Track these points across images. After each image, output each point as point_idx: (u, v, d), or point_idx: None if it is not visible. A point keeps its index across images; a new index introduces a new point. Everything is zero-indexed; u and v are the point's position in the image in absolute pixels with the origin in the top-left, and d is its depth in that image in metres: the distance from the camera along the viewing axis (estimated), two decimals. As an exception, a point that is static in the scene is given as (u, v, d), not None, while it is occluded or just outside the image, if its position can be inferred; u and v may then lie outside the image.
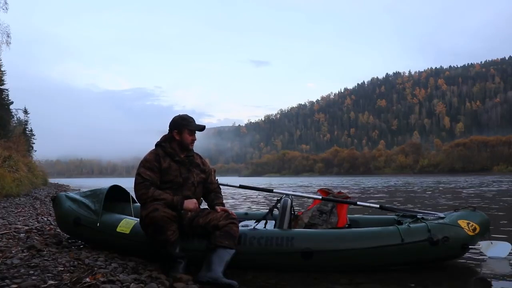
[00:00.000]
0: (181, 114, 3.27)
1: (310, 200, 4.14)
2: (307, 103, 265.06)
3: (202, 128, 3.24)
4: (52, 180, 29.77)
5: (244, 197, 12.82)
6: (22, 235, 3.81)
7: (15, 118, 31.18)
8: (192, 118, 3.24)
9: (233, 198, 12.38)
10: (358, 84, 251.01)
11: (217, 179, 3.56)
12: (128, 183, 5.34)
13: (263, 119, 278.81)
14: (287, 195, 3.62)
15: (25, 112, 32.58)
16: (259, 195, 13.50)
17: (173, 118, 3.24)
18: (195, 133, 3.23)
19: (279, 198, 3.54)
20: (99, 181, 65.29)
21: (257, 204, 10.16)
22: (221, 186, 3.65)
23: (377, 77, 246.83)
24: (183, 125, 3.17)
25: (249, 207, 9.28)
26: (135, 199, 3.22)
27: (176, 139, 3.18)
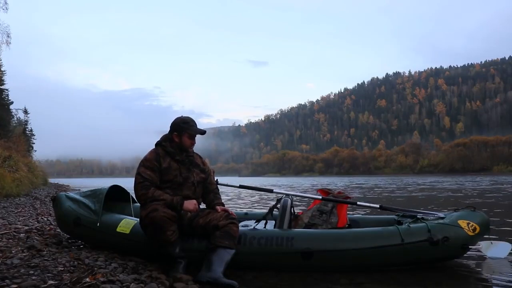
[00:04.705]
0: (183, 116, 3.23)
1: (310, 200, 4.14)
2: (307, 103, 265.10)
3: (202, 132, 3.21)
4: (52, 180, 29.81)
5: (244, 197, 12.82)
6: (22, 235, 3.80)
7: (15, 118, 31.24)
8: (193, 122, 3.21)
9: (233, 198, 12.38)
10: (358, 84, 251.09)
11: (216, 179, 3.56)
12: (128, 183, 5.34)
13: (263, 119, 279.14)
14: (287, 195, 3.63)
15: (25, 112, 32.65)
16: (259, 195, 13.50)
17: (175, 120, 3.22)
18: (195, 137, 3.21)
19: (279, 198, 3.54)
20: (99, 181, 65.28)
21: (257, 204, 10.16)
22: (220, 186, 3.66)
23: (377, 77, 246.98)
24: (183, 128, 3.14)
25: (249, 207, 9.28)
26: (135, 199, 3.22)
27: (175, 141, 3.17)
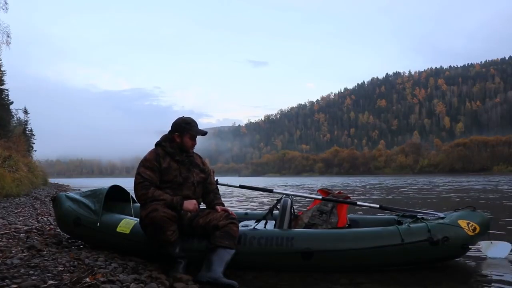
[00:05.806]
0: (184, 116, 3.24)
1: (310, 200, 4.14)
2: (307, 103, 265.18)
3: (204, 133, 3.22)
4: (52, 180, 29.79)
5: (244, 197, 12.81)
6: (22, 235, 3.80)
7: (15, 118, 31.24)
8: (195, 122, 3.22)
9: (233, 198, 12.38)
10: (358, 84, 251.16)
11: (216, 179, 3.56)
12: (128, 183, 5.34)
13: (263, 119, 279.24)
14: (287, 195, 3.63)
15: (25, 112, 32.64)
16: (259, 195, 13.50)
17: (176, 120, 3.22)
18: (196, 137, 3.22)
19: (279, 198, 3.54)
20: (99, 181, 65.28)
21: (257, 204, 10.15)
22: (220, 186, 3.65)
23: (377, 77, 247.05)
24: (185, 129, 3.15)
25: (249, 207, 9.27)
26: (135, 199, 3.22)
27: (177, 141, 3.17)
